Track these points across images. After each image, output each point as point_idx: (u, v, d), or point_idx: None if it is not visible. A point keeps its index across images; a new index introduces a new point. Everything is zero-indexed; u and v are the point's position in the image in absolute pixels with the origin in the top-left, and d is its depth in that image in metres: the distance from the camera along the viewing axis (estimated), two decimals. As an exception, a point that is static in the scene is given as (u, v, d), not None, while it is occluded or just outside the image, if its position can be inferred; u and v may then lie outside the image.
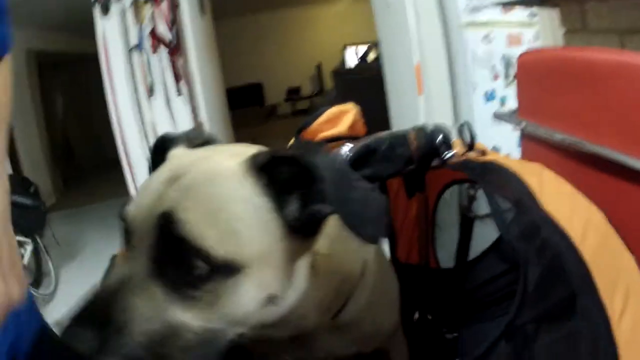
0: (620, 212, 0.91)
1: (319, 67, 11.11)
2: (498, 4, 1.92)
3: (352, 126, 1.00)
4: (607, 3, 1.78)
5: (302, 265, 0.66)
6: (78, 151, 8.40)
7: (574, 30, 1.99)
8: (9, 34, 0.74)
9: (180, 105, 3.48)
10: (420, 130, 0.93)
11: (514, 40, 3.36)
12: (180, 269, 0.57)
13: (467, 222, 1.27)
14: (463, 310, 1.30)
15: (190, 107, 3.48)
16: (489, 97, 3.33)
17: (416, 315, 1.49)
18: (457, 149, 0.96)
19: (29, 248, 3.41)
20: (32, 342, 0.80)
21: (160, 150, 0.75)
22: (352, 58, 10.87)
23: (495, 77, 3.32)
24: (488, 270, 1.21)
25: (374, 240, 0.60)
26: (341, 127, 0.96)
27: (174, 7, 3.38)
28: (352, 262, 0.81)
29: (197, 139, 0.75)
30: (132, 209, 0.62)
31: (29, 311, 0.83)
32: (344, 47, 10.90)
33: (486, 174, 0.88)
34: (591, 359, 0.67)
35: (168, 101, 3.44)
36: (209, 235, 0.57)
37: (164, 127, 3.46)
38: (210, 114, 3.64)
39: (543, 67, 1.22)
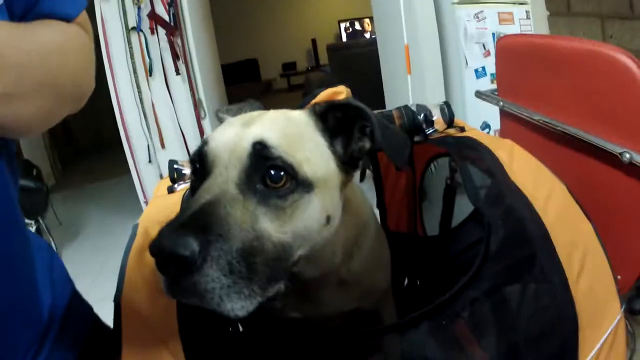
0: (583, 183, 1.01)
1: (314, 42, 11.02)
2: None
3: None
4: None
5: (341, 198, 0.81)
6: (76, 131, 8.38)
7: (558, 14, 2.08)
8: None
9: (179, 84, 3.53)
10: (404, 109, 1.04)
11: (505, 18, 3.35)
12: (270, 184, 0.69)
13: (449, 192, 1.36)
14: (447, 275, 1.39)
15: (188, 86, 3.54)
16: (480, 73, 3.34)
17: (406, 282, 1.60)
18: (438, 126, 1.07)
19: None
20: (66, 306, 0.86)
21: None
22: (347, 32, 10.85)
23: (487, 54, 3.33)
24: (468, 236, 1.30)
25: (404, 164, 0.80)
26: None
27: (173, -13, 3.40)
28: (360, 214, 0.96)
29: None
30: (213, 146, 0.73)
31: (64, 276, 0.92)
32: (339, 22, 10.87)
33: (462, 148, 0.98)
34: (551, 312, 0.77)
35: (166, 81, 3.50)
36: (295, 157, 0.71)
37: (163, 107, 3.54)
38: (208, 91, 3.70)
39: (519, 52, 1.31)
